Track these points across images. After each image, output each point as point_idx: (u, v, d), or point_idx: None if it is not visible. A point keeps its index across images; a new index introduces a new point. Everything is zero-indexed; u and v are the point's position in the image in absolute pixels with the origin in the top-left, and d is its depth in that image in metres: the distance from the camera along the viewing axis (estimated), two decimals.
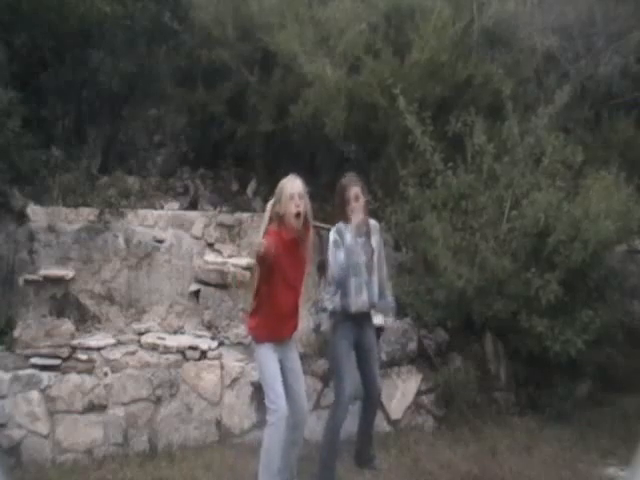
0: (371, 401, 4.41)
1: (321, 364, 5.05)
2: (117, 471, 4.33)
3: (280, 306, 3.89)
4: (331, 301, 4.36)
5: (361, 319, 4.35)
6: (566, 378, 5.43)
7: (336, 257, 4.20)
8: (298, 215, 3.79)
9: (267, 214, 3.90)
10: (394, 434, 5.00)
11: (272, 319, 3.88)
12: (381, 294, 4.44)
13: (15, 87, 5.50)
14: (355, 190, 4.23)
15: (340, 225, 4.28)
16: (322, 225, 5.88)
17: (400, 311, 5.40)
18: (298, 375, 4.04)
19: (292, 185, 3.81)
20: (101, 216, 5.41)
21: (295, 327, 4.06)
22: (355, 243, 4.21)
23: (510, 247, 5.14)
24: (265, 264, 3.74)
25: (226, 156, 6.82)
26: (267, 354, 3.90)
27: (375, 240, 4.40)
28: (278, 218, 3.82)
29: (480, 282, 5.03)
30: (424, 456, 4.62)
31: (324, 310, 5.46)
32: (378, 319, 4.81)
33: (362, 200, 4.26)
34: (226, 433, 4.84)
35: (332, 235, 4.25)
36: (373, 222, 4.45)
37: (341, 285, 4.25)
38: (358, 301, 4.27)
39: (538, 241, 5.12)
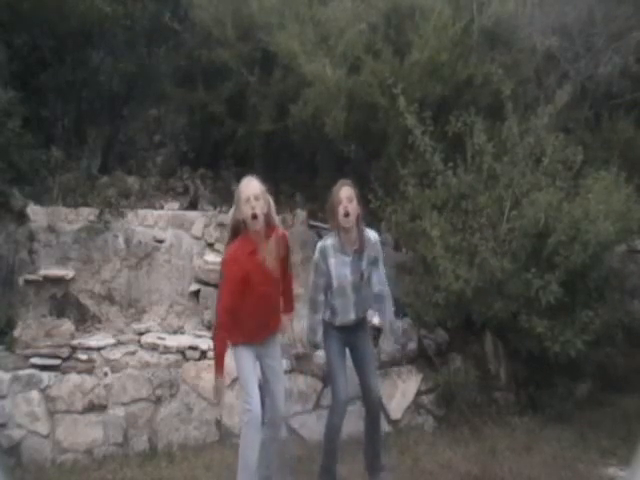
0: (369, 407, 4.19)
1: (321, 364, 5.05)
2: (117, 471, 4.33)
3: (254, 317, 3.75)
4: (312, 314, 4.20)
5: (353, 326, 4.18)
6: (566, 378, 5.42)
7: (312, 280, 4.07)
8: (255, 217, 3.63)
9: (229, 226, 3.80)
10: (394, 434, 5.00)
11: (246, 329, 3.76)
12: (382, 313, 4.27)
13: (15, 87, 5.50)
14: (348, 191, 3.99)
15: (326, 243, 4.04)
16: (321, 225, 5.89)
17: (400, 311, 5.40)
18: (277, 373, 3.95)
19: (247, 188, 3.68)
20: (101, 216, 5.41)
21: (275, 327, 3.93)
22: (341, 263, 4.00)
23: (510, 247, 5.14)
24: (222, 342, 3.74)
25: (226, 156, 6.82)
26: (242, 354, 3.81)
27: (369, 256, 4.08)
28: (242, 225, 3.69)
29: (479, 282, 5.03)
30: (424, 456, 4.62)
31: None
32: (375, 319, 4.59)
33: (355, 204, 3.98)
34: (226, 433, 4.84)
35: (316, 254, 4.06)
36: (371, 234, 4.14)
37: (316, 303, 4.11)
38: (344, 318, 4.11)
39: (538, 241, 5.11)
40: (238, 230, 3.71)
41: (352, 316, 4.10)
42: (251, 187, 3.68)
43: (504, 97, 5.44)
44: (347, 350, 4.22)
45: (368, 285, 4.13)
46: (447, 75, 5.77)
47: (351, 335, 4.16)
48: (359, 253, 4.03)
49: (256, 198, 3.64)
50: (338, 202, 3.96)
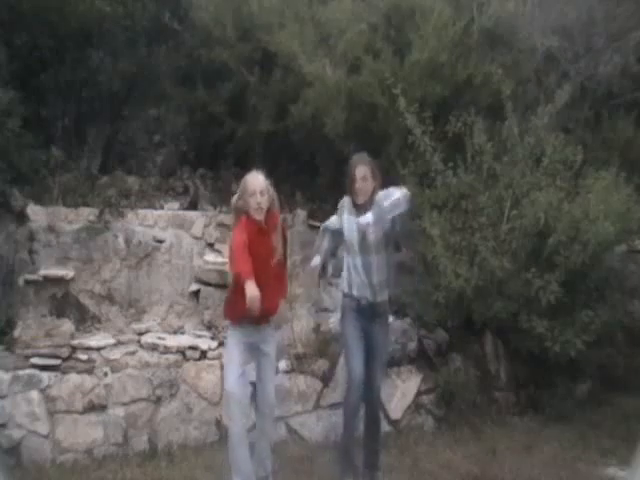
0: (368, 406, 4.13)
1: (321, 364, 5.05)
2: (117, 471, 4.32)
3: (261, 281, 3.80)
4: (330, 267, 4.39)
5: (370, 311, 4.13)
6: (566, 378, 5.43)
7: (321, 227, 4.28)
8: (259, 209, 3.85)
9: (233, 209, 4.01)
10: (394, 434, 4.99)
11: (242, 301, 3.77)
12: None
13: (15, 87, 5.50)
14: (362, 170, 4.04)
15: (344, 201, 4.18)
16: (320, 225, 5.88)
17: (400, 311, 5.40)
18: (270, 362, 4.01)
19: (254, 182, 3.87)
20: (101, 216, 5.41)
21: (272, 311, 3.96)
22: (351, 220, 4.08)
23: (510, 247, 5.14)
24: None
25: (226, 156, 6.82)
26: (234, 339, 3.93)
27: (378, 215, 4.04)
28: (244, 211, 3.89)
29: (479, 282, 5.03)
30: (424, 456, 4.62)
31: (324, 310, 5.50)
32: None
33: (370, 182, 4.03)
34: (226, 433, 4.82)
35: (339, 204, 4.19)
36: (384, 192, 4.09)
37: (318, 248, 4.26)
38: (359, 287, 4.09)
39: (538, 241, 5.12)
40: (241, 215, 3.90)
41: (362, 278, 4.06)
42: (258, 182, 3.86)
43: (504, 97, 5.44)
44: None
45: (379, 252, 4.07)
46: (447, 75, 5.77)
47: (369, 323, 4.13)
48: (363, 211, 4.05)
49: (262, 193, 3.84)
50: (352, 180, 4.04)
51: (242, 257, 3.76)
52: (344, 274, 4.20)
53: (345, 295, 4.20)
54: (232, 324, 3.99)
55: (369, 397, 4.10)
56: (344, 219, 4.12)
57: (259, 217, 3.85)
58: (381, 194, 4.07)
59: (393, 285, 4.28)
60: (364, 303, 4.11)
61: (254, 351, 3.97)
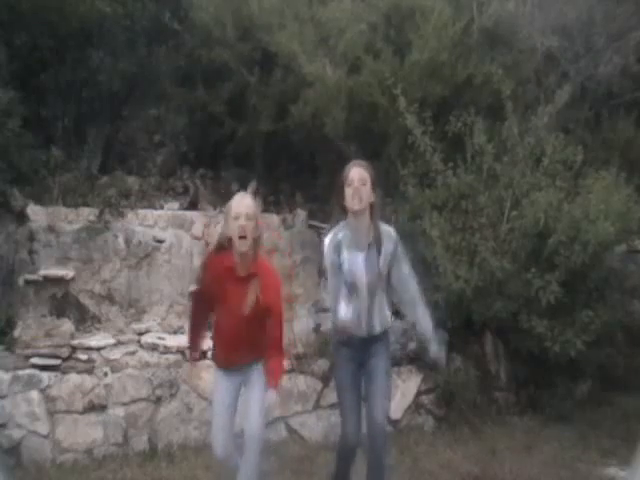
0: (371, 441, 3.47)
1: (321, 364, 5.05)
2: (117, 471, 4.33)
3: (228, 339, 3.46)
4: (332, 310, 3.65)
5: (366, 343, 3.56)
6: (566, 378, 5.43)
7: (328, 279, 3.55)
8: (243, 238, 3.29)
9: (216, 240, 3.54)
10: (394, 434, 4.99)
11: (221, 347, 3.53)
12: (419, 322, 3.62)
13: (15, 87, 5.50)
14: (361, 172, 3.44)
15: (337, 236, 3.48)
16: (321, 225, 5.89)
17: (400, 311, 5.39)
18: (256, 392, 3.46)
19: (238, 204, 3.34)
20: (101, 216, 5.41)
21: (256, 357, 3.46)
22: (355, 258, 3.45)
23: (510, 247, 5.14)
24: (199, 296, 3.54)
25: (226, 156, 6.82)
26: (218, 381, 3.55)
27: (386, 253, 3.48)
28: (227, 243, 3.37)
29: (480, 282, 5.03)
30: (424, 456, 4.62)
31: (324, 310, 5.46)
32: (432, 347, 3.75)
33: (369, 188, 3.42)
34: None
35: (325, 250, 3.52)
36: (387, 228, 3.56)
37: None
38: (354, 320, 3.50)
39: (538, 241, 5.12)
40: (223, 247, 3.40)
41: (363, 326, 3.51)
42: (243, 204, 3.35)
43: (504, 97, 5.44)
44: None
45: (384, 290, 3.54)
46: (447, 75, 5.77)
47: (365, 351, 3.55)
48: (375, 247, 3.46)
49: (248, 218, 3.32)
50: (348, 183, 3.42)
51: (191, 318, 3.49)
52: (335, 306, 3.56)
53: (336, 330, 3.64)
54: (215, 364, 3.62)
55: (370, 433, 3.47)
56: (344, 258, 3.46)
57: (243, 248, 3.30)
58: (382, 227, 3.54)
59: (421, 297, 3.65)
60: (358, 339, 3.55)
61: (240, 383, 3.56)
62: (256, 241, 3.37)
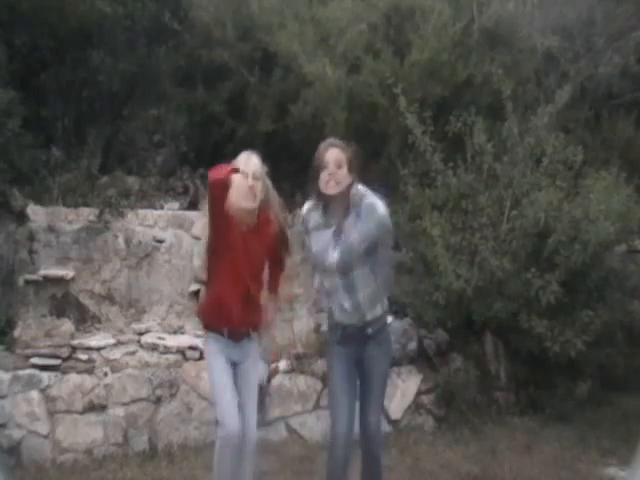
0: (364, 448, 3.34)
1: (321, 364, 5.05)
2: (117, 471, 4.33)
3: (224, 295, 3.27)
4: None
5: (360, 336, 3.29)
6: (566, 378, 5.43)
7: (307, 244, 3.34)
8: (251, 196, 3.18)
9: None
10: (394, 434, 4.99)
11: (216, 305, 3.32)
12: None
13: (15, 87, 5.50)
14: (336, 154, 3.16)
15: (309, 211, 3.32)
16: None
17: (400, 311, 5.40)
18: (250, 386, 3.34)
19: (246, 163, 3.22)
20: (101, 216, 5.41)
21: (253, 325, 3.33)
22: (322, 237, 3.22)
23: (510, 247, 5.14)
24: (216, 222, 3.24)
25: (226, 156, 6.77)
26: (214, 355, 3.32)
27: (362, 230, 3.13)
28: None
29: (480, 282, 5.03)
30: (424, 456, 4.62)
31: (323, 310, 5.45)
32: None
33: (345, 171, 3.14)
34: None
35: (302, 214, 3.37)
36: (371, 200, 3.18)
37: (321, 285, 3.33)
38: (341, 313, 3.27)
39: (538, 241, 5.12)
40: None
41: (347, 305, 3.21)
42: (251, 164, 3.23)
43: (504, 97, 5.44)
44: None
45: (365, 267, 3.20)
46: (447, 75, 5.78)
47: (359, 348, 3.31)
48: (343, 222, 3.17)
49: (255, 177, 3.19)
50: (322, 167, 3.16)
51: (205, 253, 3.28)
52: (328, 310, 3.40)
53: (329, 326, 3.44)
54: (205, 327, 3.42)
55: (364, 436, 3.34)
56: (312, 235, 3.29)
57: (249, 208, 3.20)
58: (365, 200, 3.19)
59: (389, 288, 3.52)
60: (350, 331, 3.30)
61: (235, 370, 3.35)
62: (265, 201, 3.27)
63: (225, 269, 3.27)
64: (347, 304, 3.23)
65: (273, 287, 3.50)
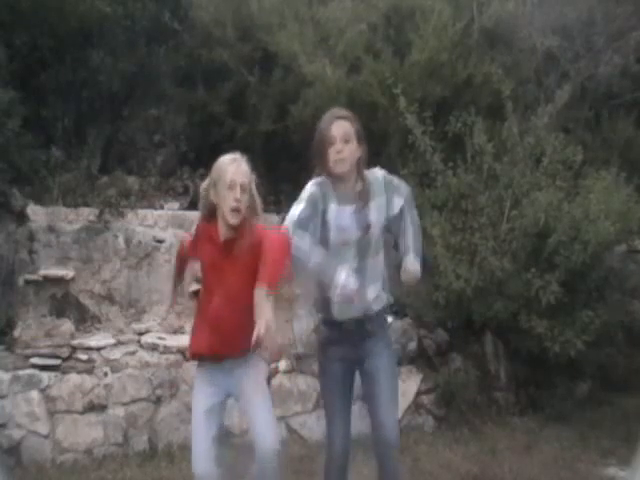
0: (380, 457, 2.93)
1: None
2: (117, 471, 4.33)
3: (213, 317, 2.94)
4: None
5: (360, 332, 2.95)
6: (566, 378, 5.43)
7: (291, 213, 2.91)
8: (236, 211, 2.83)
9: (202, 201, 3.04)
10: None
11: (204, 327, 2.98)
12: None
13: (15, 87, 5.50)
14: (343, 126, 2.87)
15: (322, 179, 2.94)
16: None
17: (400, 311, 5.39)
18: (257, 408, 2.87)
19: (235, 171, 2.84)
20: (101, 216, 5.41)
21: (244, 345, 2.74)
22: (343, 212, 2.90)
23: (510, 247, 5.14)
24: (180, 265, 3.14)
25: None
26: (199, 387, 2.97)
27: (380, 205, 2.94)
28: (213, 208, 2.94)
29: (479, 282, 5.03)
30: (424, 456, 4.62)
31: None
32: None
33: (354, 145, 2.88)
34: (226, 433, 4.83)
35: (307, 191, 2.99)
36: (374, 176, 3.02)
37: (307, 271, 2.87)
38: (344, 307, 2.86)
39: (538, 241, 5.12)
40: (213, 212, 2.97)
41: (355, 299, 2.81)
42: (240, 172, 2.86)
43: (504, 97, 5.44)
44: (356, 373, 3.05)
45: (377, 252, 2.98)
46: (447, 75, 5.78)
47: (357, 347, 2.95)
48: (364, 201, 2.92)
49: (243, 188, 2.85)
50: (329, 142, 2.86)
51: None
52: (317, 307, 3.08)
53: (320, 322, 3.07)
54: (191, 356, 3.10)
55: (380, 446, 2.90)
56: (331, 209, 2.91)
57: (233, 221, 2.85)
58: (374, 175, 3.01)
59: (392, 285, 3.19)
60: (347, 327, 2.95)
61: (225, 395, 2.96)
62: (251, 210, 2.89)
63: (212, 298, 2.99)
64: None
65: (266, 275, 2.75)
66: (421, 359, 5.39)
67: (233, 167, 2.87)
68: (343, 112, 2.97)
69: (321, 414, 4.87)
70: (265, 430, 2.80)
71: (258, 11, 6.24)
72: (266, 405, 2.88)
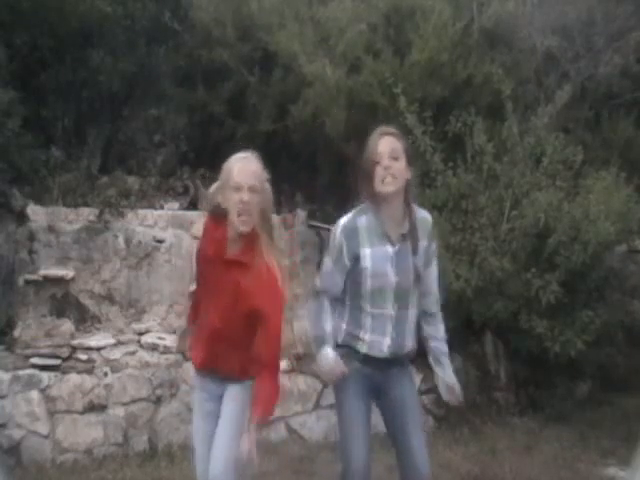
0: None
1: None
2: (117, 471, 4.33)
3: (208, 335, 2.77)
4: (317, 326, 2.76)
5: (387, 364, 2.78)
6: (566, 378, 5.43)
7: (324, 267, 2.75)
8: (244, 215, 2.58)
9: (209, 205, 2.81)
10: None
11: (201, 339, 2.83)
12: (429, 329, 2.93)
13: (15, 87, 5.49)
14: (392, 143, 2.65)
15: (357, 221, 2.66)
16: (321, 225, 5.88)
17: None
18: (220, 430, 2.71)
19: (243, 172, 2.64)
20: (101, 216, 5.41)
21: (245, 367, 2.65)
22: (382, 254, 2.63)
23: (510, 247, 5.14)
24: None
25: (226, 156, 6.79)
26: (197, 391, 2.90)
27: (424, 250, 2.71)
28: (221, 211, 2.67)
29: (479, 282, 5.03)
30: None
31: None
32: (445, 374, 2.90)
33: (404, 163, 2.62)
34: None
35: (337, 234, 2.70)
36: (424, 215, 2.75)
37: (321, 307, 2.74)
38: (375, 344, 2.71)
39: (538, 241, 5.12)
40: (219, 215, 2.69)
41: (388, 342, 2.72)
42: (248, 172, 2.65)
43: (504, 97, 5.44)
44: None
45: (417, 298, 2.78)
46: (447, 75, 5.77)
47: (381, 373, 2.75)
48: (411, 241, 2.65)
49: (252, 190, 2.60)
50: (376, 160, 2.61)
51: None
52: (341, 334, 2.78)
53: (344, 349, 2.77)
54: (193, 364, 2.94)
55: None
56: (366, 253, 2.63)
57: (242, 229, 2.59)
58: (417, 212, 2.73)
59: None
60: (378, 361, 2.76)
61: (218, 399, 2.81)
62: (264, 219, 2.63)
63: (205, 303, 2.84)
64: (388, 341, 2.72)
65: (259, 409, 2.56)
66: (421, 359, 5.37)
67: (239, 167, 2.69)
68: (391, 129, 2.77)
69: (321, 414, 4.90)
70: (215, 457, 2.70)
71: (258, 11, 6.24)
72: (228, 432, 2.68)
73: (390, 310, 2.67)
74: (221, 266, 2.68)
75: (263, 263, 2.61)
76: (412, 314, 2.76)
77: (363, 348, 2.70)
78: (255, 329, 2.58)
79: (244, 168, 2.68)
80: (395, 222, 2.65)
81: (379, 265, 2.63)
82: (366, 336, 2.68)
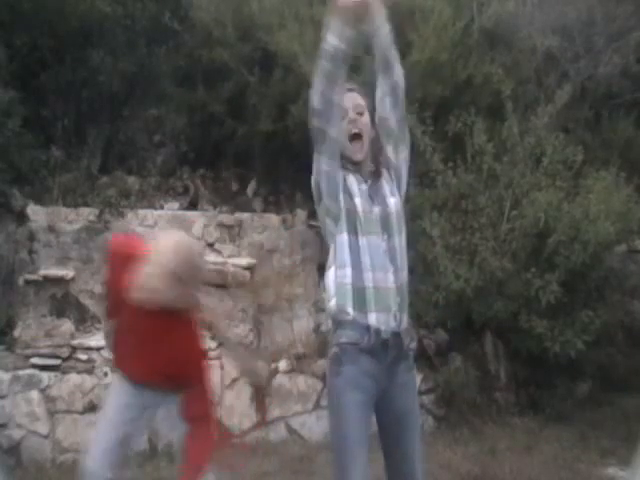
0: None
1: (321, 364, 5.04)
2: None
3: (136, 351, 2.63)
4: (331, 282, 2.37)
5: (394, 351, 2.37)
6: (566, 378, 5.43)
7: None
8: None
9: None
10: None
11: (127, 356, 2.68)
12: None
13: (15, 87, 5.50)
14: (354, 98, 2.58)
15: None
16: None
17: None
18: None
19: (180, 258, 2.40)
20: (101, 216, 5.41)
21: (178, 381, 2.64)
22: (360, 191, 2.49)
23: (510, 247, 5.14)
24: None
25: (226, 156, 6.81)
26: (117, 389, 2.78)
27: (392, 178, 2.72)
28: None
29: (480, 282, 5.03)
30: (424, 456, 4.61)
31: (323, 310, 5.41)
32: None
33: (367, 118, 2.59)
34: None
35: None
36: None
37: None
38: (371, 286, 2.42)
39: (538, 241, 5.12)
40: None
41: (391, 281, 2.47)
42: (185, 261, 2.42)
43: (504, 97, 5.44)
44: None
45: (400, 229, 2.66)
46: (447, 75, 5.77)
47: (389, 375, 2.31)
48: (378, 177, 2.61)
49: (182, 281, 2.44)
50: (341, 115, 2.48)
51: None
52: (337, 277, 2.38)
53: (340, 324, 2.33)
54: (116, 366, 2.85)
55: None
56: (349, 180, 2.49)
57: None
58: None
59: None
60: (386, 336, 2.36)
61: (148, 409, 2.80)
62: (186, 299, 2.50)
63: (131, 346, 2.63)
64: (391, 277, 2.45)
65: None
66: (421, 359, 5.38)
67: (175, 252, 2.45)
68: (354, 86, 2.66)
69: (321, 414, 4.90)
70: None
71: (258, 11, 6.23)
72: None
73: (379, 241, 2.52)
74: (167, 322, 2.58)
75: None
76: (399, 246, 2.63)
77: (368, 307, 2.38)
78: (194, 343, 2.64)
79: (182, 257, 2.44)
80: (365, 169, 2.59)
81: (361, 195, 2.53)
82: (361, 280, 2.44)
